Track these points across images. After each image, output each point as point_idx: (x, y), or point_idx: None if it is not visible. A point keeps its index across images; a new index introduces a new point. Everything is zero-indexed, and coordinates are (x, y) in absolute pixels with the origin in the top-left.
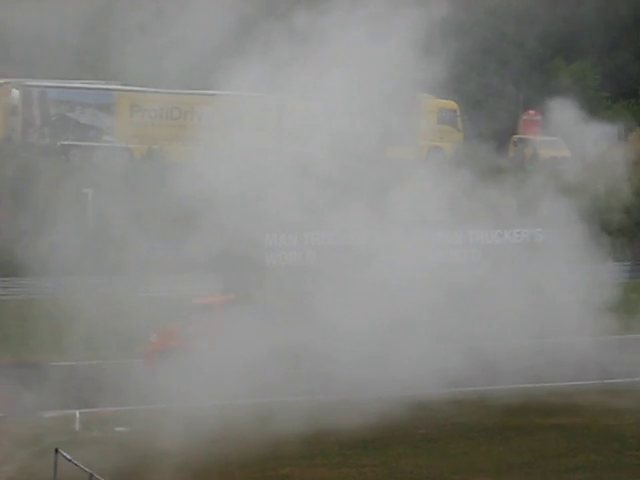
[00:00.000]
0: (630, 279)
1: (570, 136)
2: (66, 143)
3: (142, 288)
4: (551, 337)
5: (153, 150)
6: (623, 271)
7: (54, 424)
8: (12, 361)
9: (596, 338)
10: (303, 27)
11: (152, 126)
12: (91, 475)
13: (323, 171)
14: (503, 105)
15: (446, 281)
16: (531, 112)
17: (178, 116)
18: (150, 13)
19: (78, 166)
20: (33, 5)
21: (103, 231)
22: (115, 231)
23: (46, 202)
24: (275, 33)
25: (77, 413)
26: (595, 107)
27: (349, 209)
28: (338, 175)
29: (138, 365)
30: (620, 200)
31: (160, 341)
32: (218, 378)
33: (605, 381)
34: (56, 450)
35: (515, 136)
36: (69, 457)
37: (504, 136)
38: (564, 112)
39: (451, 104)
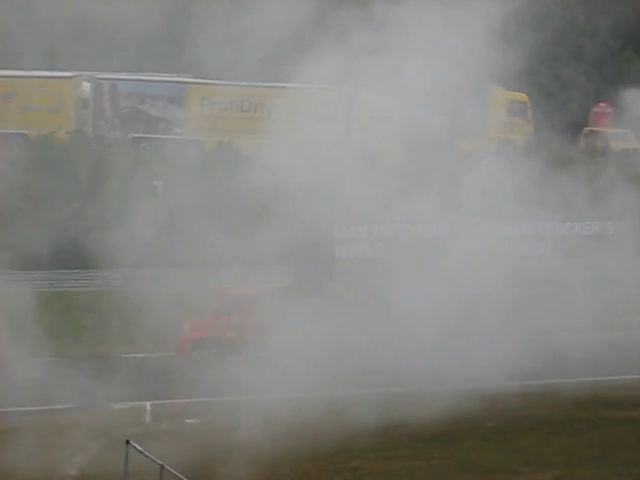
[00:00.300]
0: None
1: None
2: (137, 136)
3: (212, 281)
4: (621, 330)
5: (223, 143)
6: None
7: (125, 416)
8: (84, 353)
9: None
10: (377, 17)
11: (222, 119)
12: (162, 467)
13: (393, 163)
14: (574, 97)
15: (516, 273)
16: (602, 104)
17: (248, 109)
18: (222, 5)
19: (148, 158)
20: None
21: (173, 223)
22: (185, 223)
23: (117, 195)
24: (348, 24)
25: (148, 405)
26: None
27: (419, 201)
28: (408, 167)
29: (207, 357)
30: None
31: (192, 331)
32: (290, 371)
33: None
34: (127, 442)
35: (586, 128)
36: (140, 449)
37: (575, 128)
38: (635, 104)
39: (521, 96)
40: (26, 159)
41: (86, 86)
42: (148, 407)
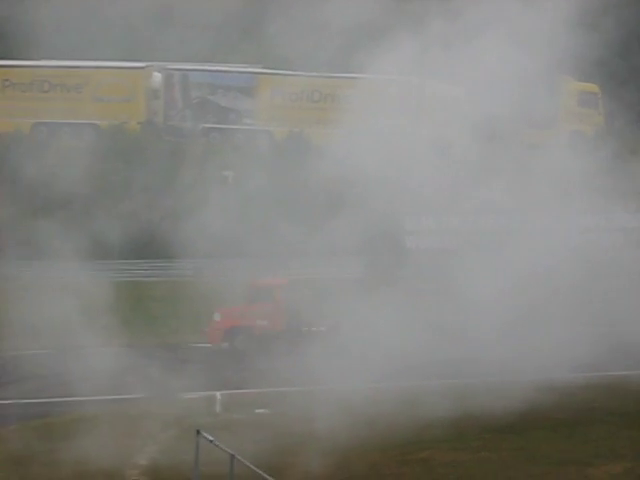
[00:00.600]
0: None
1: None
2: (207, 126)
3: (283, 271)
4: None
5: (293, 133)
6: None
7: (195, 405)
8: (155, 342)
9: None
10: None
11: (292, 109)
12: (233, 456)
13: (463, 154)
14: None
15: (585, 264)
16: None
17: (319, 99)
18: None
19: (219, 149)
20: None
21: (243, 213)
22: (256, 214)
23: (188, 185)
24: (421, 13)
25: (218, 395)
26: None
27: (489, 192)
28: (478, 158)
29: (277, 347)
30: None
31: (223, 320)
32: (363, 361)
33: None
34: (198, 431)
35: None
36: (211, 438)
37: None
38: None
39: (592, 87)
40: (97, 149)
41: (157, 76)
42: (218, 397)
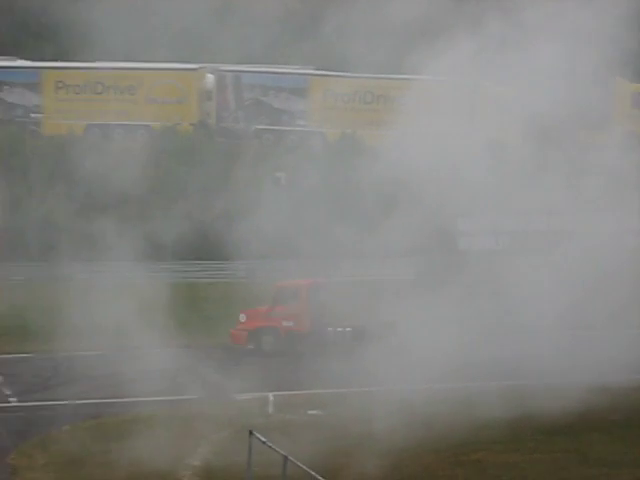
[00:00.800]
0: None
1: None
2: (260, 127)
3: (335, 273)
4: None
5: (346, 134)
6: None
7: (248, 406)
8: (209, 343)
9: None
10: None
11: (345, 110)
12: (286, 458)
13: (517, 155)
14: None
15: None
16: None
17: (371, 100)
18: None
19: (271, 150)
20: None
21: (296, 215)
22: (308, 215)
23: (240, 186)
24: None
25: (270, 396)
26: None
27: (543, 193)
28: (532, 159)
29: (328, 349)
30: None
31: (249, 321)
32: (418, 363)
33: None
34: (250, 432)
35: None
36: (263, 439)
37: None
38: None
39: None
40: (150, 151)
41: (210, 78)
42: (271, 398)
